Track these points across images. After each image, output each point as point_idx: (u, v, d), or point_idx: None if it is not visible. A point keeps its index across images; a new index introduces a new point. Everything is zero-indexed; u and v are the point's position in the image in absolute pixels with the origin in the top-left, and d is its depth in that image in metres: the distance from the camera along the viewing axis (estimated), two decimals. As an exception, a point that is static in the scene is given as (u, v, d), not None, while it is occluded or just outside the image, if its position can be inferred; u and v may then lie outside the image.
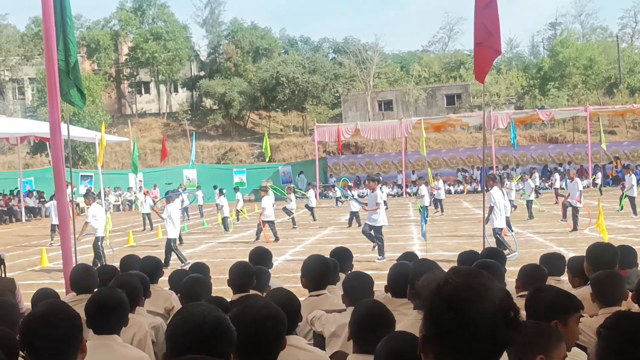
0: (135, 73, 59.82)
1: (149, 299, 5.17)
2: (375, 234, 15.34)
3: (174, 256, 15.37)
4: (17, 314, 4.28)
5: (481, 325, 1.67)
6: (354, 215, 23.05)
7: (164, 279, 6.32)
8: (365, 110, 53.12)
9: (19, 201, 33.78)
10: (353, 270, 5.95)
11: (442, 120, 43.25)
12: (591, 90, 54.32)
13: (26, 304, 6.22)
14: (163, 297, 5.84)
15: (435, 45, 79.72)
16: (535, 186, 28.11)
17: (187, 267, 7.35)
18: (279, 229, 21.08)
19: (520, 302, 3.95)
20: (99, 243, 15.39)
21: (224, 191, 25.04)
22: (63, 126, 8.41)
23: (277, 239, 19.63)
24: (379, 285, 4.87)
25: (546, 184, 38.07)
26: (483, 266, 4.47)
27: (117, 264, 6.98)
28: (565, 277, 5.74)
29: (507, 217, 16.20)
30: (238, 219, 26.98)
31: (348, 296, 4.42)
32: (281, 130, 57.46)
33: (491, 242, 13.76)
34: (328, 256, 5.75)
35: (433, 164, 43.61)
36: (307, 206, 27.07)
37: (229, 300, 4.31)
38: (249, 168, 45.96)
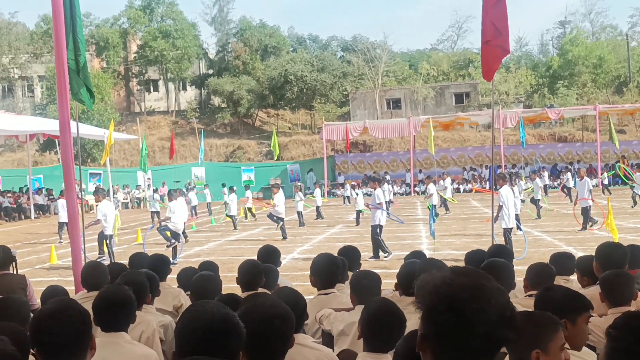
0: (144, 71, 59.92)
1: (158, 297, 5.18)
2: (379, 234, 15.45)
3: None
4: (28, 311, 4.30)
5: (479, 325, 1.69)
6: (360, 213, 23.07)
7: (172, 277, 6.35)
8: (374, 108, 53.06)
9: (28, 198, 33.89)
10: (361, 269, 5.95)
11: (450, 118, 43.17)
12: (600, 89, 54.07)
13: (37, 301, 6.26)
14: (172, 294, 5.85)
15: (444, 43, 79.67)
16: (544, 185, 28.02)
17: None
18: (288, 227, 21.14)
19: (529, 302, 3.94)
20: (108, 241, 15.45)
21: (235, 188, 25.09)
22: (72, 124, 8.43)
23: (285, 238, 19.67)
24: (387, 283, 4.87)
25: (555, 183, 37.94)
26: (493, 265, 4.46)
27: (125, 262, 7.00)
28: (574, 277, 5.73)
29: (516, 215, 16.19)
30: (246, 217, 27.01)
31: (356, 295, 4.42)
32: (289, 128, 57.47)
33: (498, 241, 13.74)
34: (336, 255, 5.75)
35: (441, 162, 43.56)
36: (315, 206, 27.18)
37: (237, 298, 4.32)
38: (257, 166, 45.99)
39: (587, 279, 5.31)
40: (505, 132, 43.43)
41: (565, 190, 30.46)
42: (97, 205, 16.76)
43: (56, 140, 36.67)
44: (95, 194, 17.27)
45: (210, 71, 62.07)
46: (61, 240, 20.88)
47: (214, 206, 31.88)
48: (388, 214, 22.59)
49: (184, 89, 62.54)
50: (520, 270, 5.71)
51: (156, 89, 62.64)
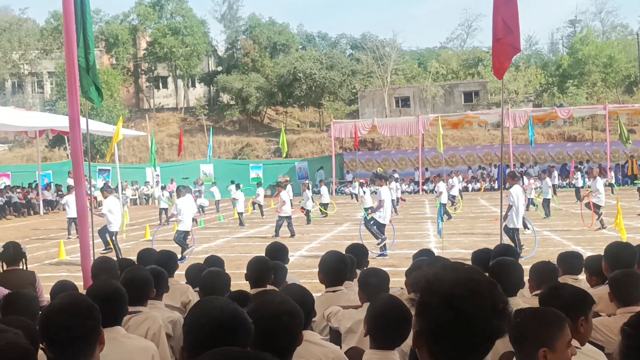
0: (153, 68, 60.03)
1: (166, 293, 5.19)
2: (372, 229, 15.54)
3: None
4: (37, 306, 4.32)
5: (477, 320, 1.72)
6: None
7: (180, 273, 6.36)
8: (382, 106, 53.00)
9: (37, 194, 34.03)
10: (369, 267, 5.96)
11: (459, 117, 43.07)
12: (610, 89, 53.86)
13: (46, 296, 6.29)
14: (180, 291, 5.87)
15: (453, 42, 79.50)
16: (554, 185, 27.92)
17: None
18: (295, 225, 21.18)
19: (536, 301, 3.93)
20: (113, 238, 15.47)
21: (241, 186, 25.11)
22: (82, 120, 8.46)
23: (293, 234, 19.73)
24: (395, 282, 4.87)
25: (564, 182, 37.82)
26: (502, 263, 4.45)
27: (133, 258, 7.03)
28: (582, 276, 5.71)
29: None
30: (254, 209, 27.02)
31: (364, 292, 4.42)
32: (298, 126, 57.48)
33: (505, 240, 13.70)
34: (344, 252, 5.75)
35: (450, 161, 43.49)
36: (320, 204, 27.19)
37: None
38: (266, 163, 46.00)
39: (596, 279, 5.30)
40: (515, 131, 43.31)
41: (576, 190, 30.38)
42: (104, 201, 16.81)
43: (65, 137, 36.82)
44: (102, 191, 17.32)
45: (219, 68, 62.15)
46: (70, 236, 20.96)
47: (222, 203, 31.93)
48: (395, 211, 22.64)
49: (193, 86, 62.66)
50: (527, 269, 5.70)
51: (165, 86, 62.77)
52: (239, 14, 69.00)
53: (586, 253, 7.84)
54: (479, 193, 38.45)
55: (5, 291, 4.98)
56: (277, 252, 6.36)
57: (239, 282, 5.77)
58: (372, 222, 15.65)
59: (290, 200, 21.10)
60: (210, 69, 63.31)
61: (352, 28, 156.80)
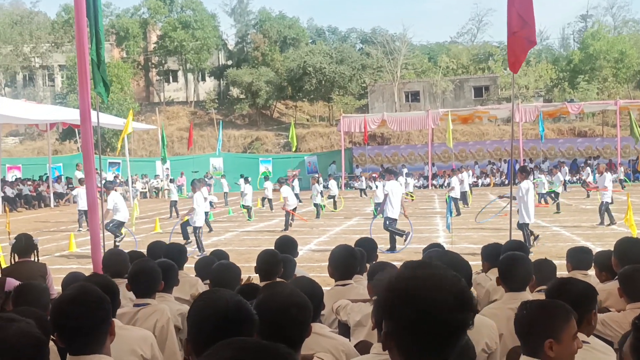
0: (163, 61, 60.08)
1: (176, 287, 5.21)
2: (384, 225, 15.43)
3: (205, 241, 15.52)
4: (48, 297, 4.35)
5: (437, 313, 1.73)
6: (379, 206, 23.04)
7: (189, 266, 6.39)
8: (392, 101, 52.90)
9: (48, 187, 34.20)
10: (378, 260, 5.97)
11: (469, 112, 42.95)
12: (622, 84, 53.56)
13: (56, 288, 6.33)
14: (189, 283, 5.90)
15: (463, 36, 79.05)
16: (564, 180, 27.86)
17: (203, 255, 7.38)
18: (307, 219, 21.23)
19: (539, 297, 3.94)
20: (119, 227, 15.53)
21: (249, 179, 25.16)
22: (92, 113, 8.50)
23: (286, 228, 19.68)
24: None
25: (574, 178, 37.69)
26: (510, 258, 4.44)
27: (143, 251, 7.06)
28: (592, 272, 5.70)
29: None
30: (263, 206, 27.08)
31: (373, 286, 4.43)
32: (307, 120, 57.45)
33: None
34: (353, 246, 5.76)
35: (459, 156, 43.39)
36: (329, 196, 27.26)
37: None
38: (275, 158, 46.04)
39: (606, 274, 5.29)
40: (525, 127, 43.16)
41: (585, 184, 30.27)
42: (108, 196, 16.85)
43: (76, 130, 36.97)
44: (104, 187, 17.32)
45: (229, 62, 62.14)
46: (80, 228, 21.04)
47: (230, 197, 31.99)
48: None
49: (203, 79, 62.69)
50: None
51: (175, 80, 62.85)
52: (249, 8, 68.92)
53: (596, 249, 7.83)
54: (489, 188, 38.33)
55: (16, 282, 5.02)
56: (286, 246, 6.38)
57: (249, 275, 5.79)
58: (387, 223, 15.46)
59: (296, 194, 21.13)
60: (220, 63, 63.31)
61: (363, 22, 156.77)
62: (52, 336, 2.88)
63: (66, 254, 16.13)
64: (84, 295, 2.90)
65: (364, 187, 36.38)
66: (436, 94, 52.59)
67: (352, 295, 4.81)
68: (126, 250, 6.62)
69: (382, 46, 57.12)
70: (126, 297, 4.93)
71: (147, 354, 3.64)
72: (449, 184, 26.10)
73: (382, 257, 6.82)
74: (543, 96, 53.18)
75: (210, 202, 28.75)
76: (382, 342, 1.87)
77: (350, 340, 4.04)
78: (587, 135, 46.50)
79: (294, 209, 20.76)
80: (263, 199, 27.58)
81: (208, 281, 5.58)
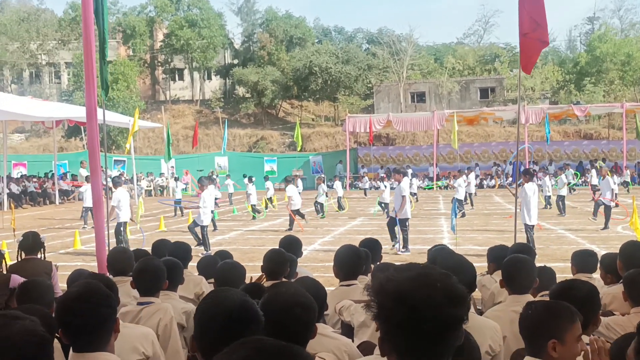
0: (169, 60, 60.14)
1: (180, 285, 5.21)
2: (400, 226, 15.15)
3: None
4: (52, 294, 4.36)
5: (428, 311, 1.74)
6: (383, 205, 23.05)
7: (192, 264, 6.40)
8: (398, 101, 52.86)
9: (53, 184, 34.27)
10: (382, 262, 5.97)
11: (475, 113, 42.87)
12: (628, 87, 53.39)
13: (61, 285, 6.35)
14: (193, 282, 5.91)
15: (470, 37, 79.05)
16: (568, 182, 27.78)
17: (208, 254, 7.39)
18: (309, 219, 21.22)
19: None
20: (121, 228, 15.54)
21: (254, 179, 25.18)
22: (98, 111, 8.51)
23: (290, 229, 19.64)
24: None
25: (580, 181, 37.59)
26: (514, 260, 4.44)
27: (148, 248, 7.07)
28: (596, 275, 5.69)
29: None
30: (267, 207, 27.10)
31: (366, 291, 4.41)
32: (313, 120, 57.42)
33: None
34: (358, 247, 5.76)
35: (465, 157, 43.33)
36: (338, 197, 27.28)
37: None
38: (280, 157, 46.04)
39: (611, 277, 5.28)
40: (530, 128, 43.08)
41: (591, 188, 30.16)
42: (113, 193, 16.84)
43: (81, 127, 37.02)
44: (112, 182, 17.31)
45: (235, 61, 62.15)
46: (85, 226, 21.09)
47: (235, 196, 32.00)
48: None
49: (209, 78, 62.74)
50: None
51: (181, 78, 62.92)
52: (255, 7, 69.06)
53: (601, 252, 7.81)
54: (494, 190, 38.30)
55: (21, 279, 5.04)
56: (290, 245, 6.37)
57: (253, 275, 5.80)
58: (402, 223, 15.21)
59: (299, 193, 21.15)
60: (227, 62, 63.34)
61: (369, 22, 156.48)
62: (56, 333, 2.89)
63: (71, 251, 16.17)
64: (90, 292, 2.91)
65: (367, 187, 36.35)
66: (442, 95, 52.52)
67: (357, 295, 4.81)
68: (131, 248, 6.63)
69: (388, 46, 57.09)
70: (131, 294, 4.95)
71: (148, 351, 3.65)
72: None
73: (386, 258, 6.82)
74: (549, 98, 53.06)
75: (215, 197, 28.82)
76: (380, 348, 1.87)
77: (353, 341, 4.03)
78: (592, 137, 46.39)
79: (297, 210, 20.67)
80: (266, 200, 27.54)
81: (212, 280, 5.58)
